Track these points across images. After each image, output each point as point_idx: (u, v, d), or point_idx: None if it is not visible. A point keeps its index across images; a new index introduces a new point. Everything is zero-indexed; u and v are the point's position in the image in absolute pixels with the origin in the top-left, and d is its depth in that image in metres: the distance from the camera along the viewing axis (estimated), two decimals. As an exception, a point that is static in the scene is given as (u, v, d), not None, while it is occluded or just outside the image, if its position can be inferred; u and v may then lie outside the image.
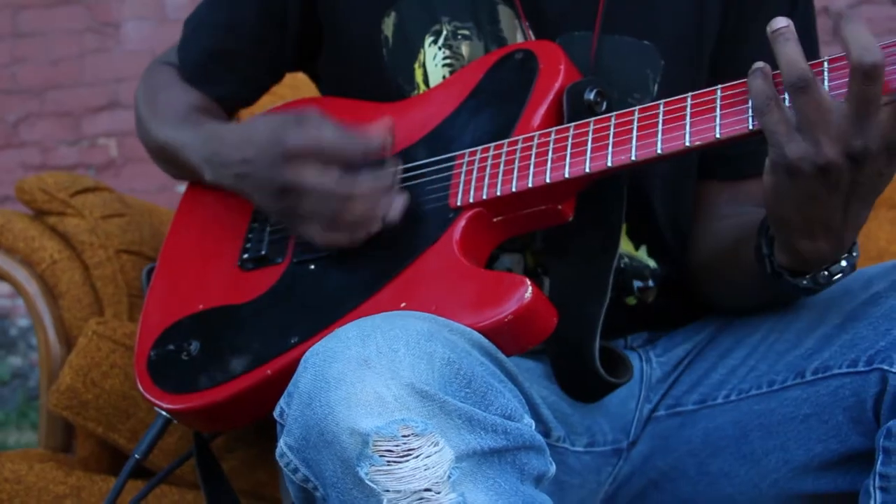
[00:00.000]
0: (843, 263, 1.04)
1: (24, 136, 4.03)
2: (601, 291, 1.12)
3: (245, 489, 1.31)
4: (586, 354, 1.12)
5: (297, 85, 1.48)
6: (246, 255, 1.22)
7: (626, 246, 1.22)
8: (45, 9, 3.96)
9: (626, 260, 1.22)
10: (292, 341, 1.10)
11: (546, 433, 1.13)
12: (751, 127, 0.98)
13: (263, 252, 1.21)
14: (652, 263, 1.24)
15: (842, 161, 0.92)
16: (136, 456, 1.21)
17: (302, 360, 0.90)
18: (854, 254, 1.04)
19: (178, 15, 3.84)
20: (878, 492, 0.98)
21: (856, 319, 1.05)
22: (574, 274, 1.15)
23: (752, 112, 0.97)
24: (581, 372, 1.13)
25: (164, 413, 1.18)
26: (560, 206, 1.09)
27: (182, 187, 1.35)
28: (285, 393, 0.92)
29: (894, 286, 1.05)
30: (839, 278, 1.05)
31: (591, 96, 1.11)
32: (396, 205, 1.10)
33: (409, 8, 1.22)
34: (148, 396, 1.19)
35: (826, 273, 1.04)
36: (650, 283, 1.23)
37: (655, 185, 1.21)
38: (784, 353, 1.12)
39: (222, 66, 1.34)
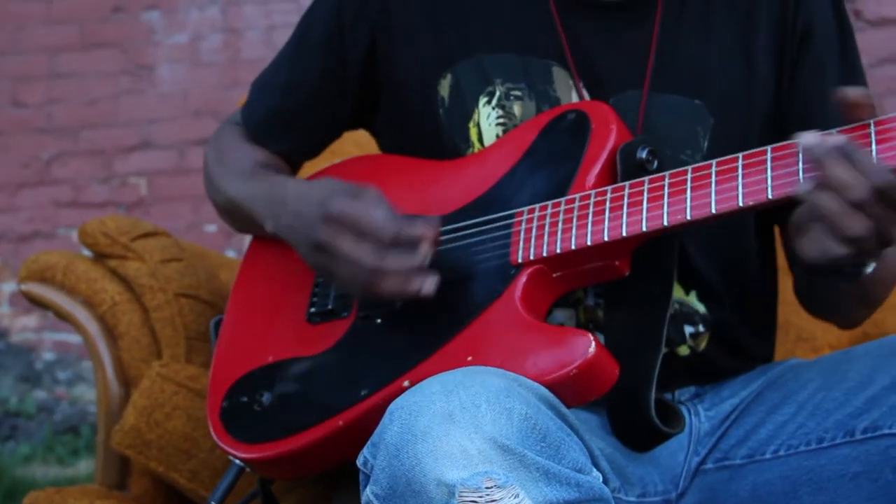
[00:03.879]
0: None
1: (56, 174, 4.10)
2: (656, 341, 1.17)
3: (301, 530, 1.35)
4: (642, 404, 1.16)
5: (361, 142, 1.54)
6: (313, 309, 1.27)
7: (677, 292, 1.26)
8: (82, 51, 4.05)
9: (677, 306, 1.26)
10: (362, 393, 1.14)
11: (604, 483, 1.17)
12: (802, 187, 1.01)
13: (330, 306, 1.26)
14: (702, 308, 1.27)
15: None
16: (213, 503, 1.26)
17: (387, 413, 0.95)
18: None
19: (211, 59, 3.93)
20: None
21: None
22: (629, 325, 1.19)
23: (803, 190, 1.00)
24: (637, 422, 1.17)
25: (237, 462, 1.23)
26: (617, 262, 1.14)
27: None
28: (369, 443, 0.97)
29: None
30: None
31: (643, 155, 1.15)
32: (428, 284, 1.13)
33: (464, 70, 1.28)
34: (222, 445, 1.23)
35: None
36: (701, 328, 1.27)
37: (702, 232, 1.24)
38: (833, 410, 1.16)
39: (283, 125, 1.40)
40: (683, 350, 1.27)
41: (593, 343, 1.05)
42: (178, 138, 3.95)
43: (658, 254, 1.18)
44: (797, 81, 1.28)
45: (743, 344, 1.31)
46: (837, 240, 0.99)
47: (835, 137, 0.99)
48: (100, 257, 1.61)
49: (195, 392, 1.41)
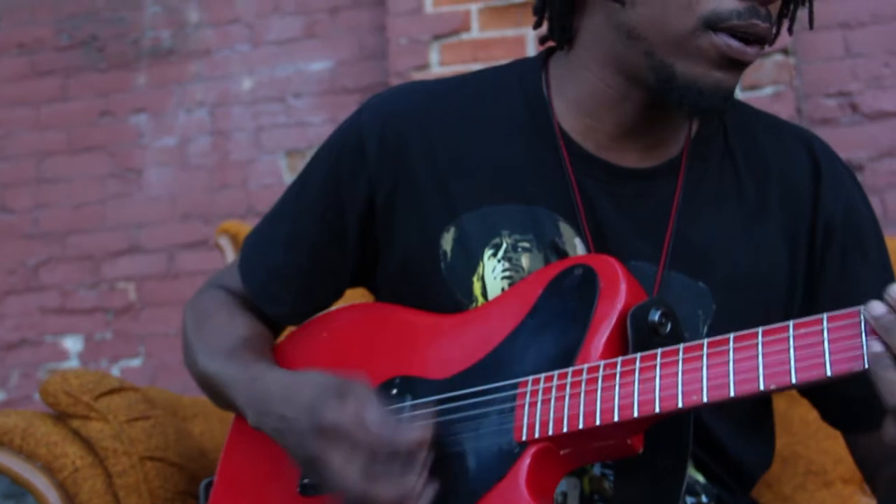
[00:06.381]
0: None
1: (44, 280, 4.03)
2: None
3: None
4: None
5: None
6: (306, 481, 1.19)
7: None
8: (69, 155, 4.01)
9: None
10: None
11: None
12: (828, 374, 0.92)
13: None
14: (701, 478, 1.20)
15: None
16: None
17: None
18: None
19: (199, 161, 3.88)
20: None
21: None
22: (641, 497, 1.09)
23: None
24: None
25: None
26: (629, 441, 1.05)
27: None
28: None
29: None
30: None
31: (656, 318, 1.07)
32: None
33: (469, 223, 1.21)
34: None
35: None
36: (704, 498, 1.18)
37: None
38: None
39: (284, 283, 1.33)
40: None
41: None
42: (167, 242, 3.89)
43: (673, 426, 1.09)
44: (826, 281, 1.22)
45: None
46: None
47: None
48: (62, 416, 1.52)
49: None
